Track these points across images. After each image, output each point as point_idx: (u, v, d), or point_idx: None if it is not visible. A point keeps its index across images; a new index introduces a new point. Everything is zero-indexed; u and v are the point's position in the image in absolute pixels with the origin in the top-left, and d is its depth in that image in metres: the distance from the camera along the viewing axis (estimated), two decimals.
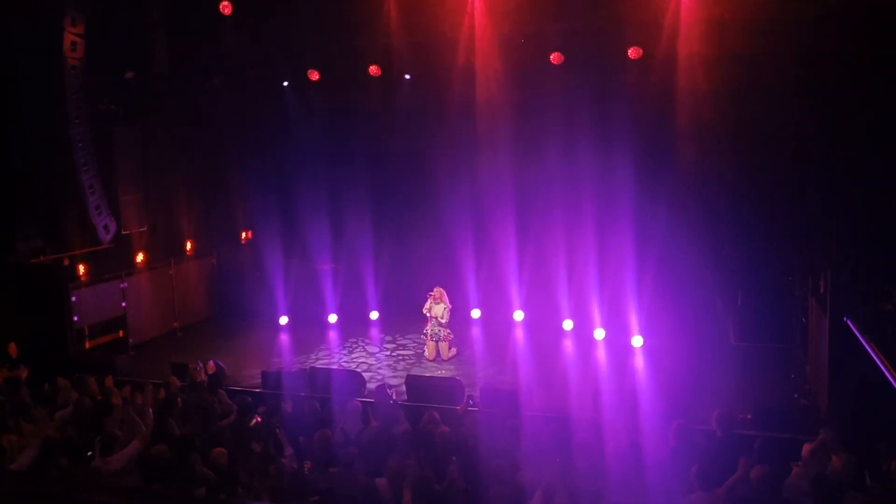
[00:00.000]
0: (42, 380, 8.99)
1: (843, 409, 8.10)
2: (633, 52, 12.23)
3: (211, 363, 9.59)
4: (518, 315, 13.90)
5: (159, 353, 12.68)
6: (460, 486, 5.89)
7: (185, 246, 15.33)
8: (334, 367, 11.47)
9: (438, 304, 11.71)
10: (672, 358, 11.24)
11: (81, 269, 13.24)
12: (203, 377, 9.02)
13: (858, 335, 7.86)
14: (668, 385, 9.90)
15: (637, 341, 12.03)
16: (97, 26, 12.57)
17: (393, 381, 10.63)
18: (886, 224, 10.17)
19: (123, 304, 13.01)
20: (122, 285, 13.05)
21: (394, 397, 8.61)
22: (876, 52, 10.12)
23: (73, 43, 12.39)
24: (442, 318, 11.65)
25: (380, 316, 14.23)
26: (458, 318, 12.29)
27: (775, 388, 10.06)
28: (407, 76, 14.26)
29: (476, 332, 13.49)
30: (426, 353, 11.89)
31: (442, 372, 11.26)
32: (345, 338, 13.33)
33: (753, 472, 5.94)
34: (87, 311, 12.36)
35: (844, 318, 8.24)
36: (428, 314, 11.78)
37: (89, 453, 6.65)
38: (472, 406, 8.50)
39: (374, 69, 13.76)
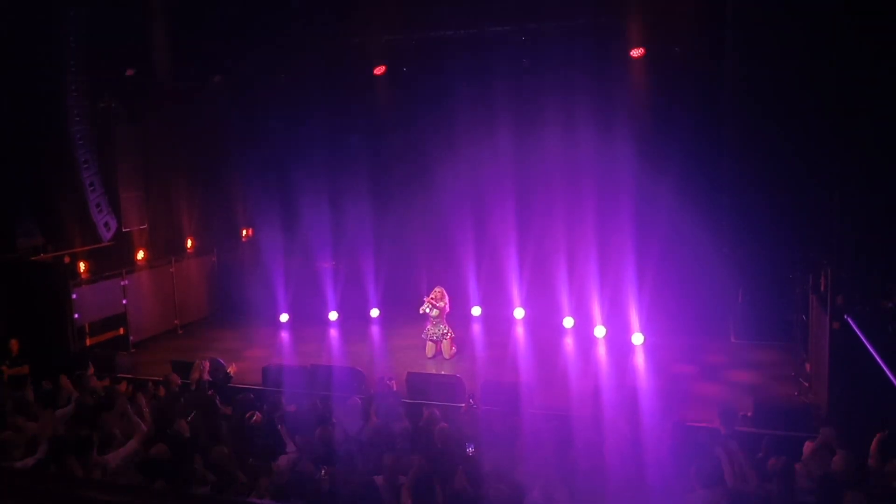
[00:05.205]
0: (42, 377, 8.99)
1: (844, 407, 8.09)
2: (635, 49, 12.22)
3: (209, 362, 9.58)
4: (518, 312, 13.88)
5: (160, 350, 12.70)
6: (467, 491, 5.86)
7: (186, 243, 15.34)
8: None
9: (437, 303, 11.65)
10: (672, 356, 11.23)
11: (82, 266, 13.25)
12: (206, 375, 9.02)
13: (859, 333, 7.85)
14: (668, 383, 9.89)
15: (637, 339, 12.02)
16: (98, 24, 12.55)
17: None
18: (887, 222, 10.14)
19: (124, 302, 13.02)
20: (122, 283, 13.05)
21: (394, 388, 8.63)
22: (876, 52, 10.08)
23: (75, 40, 12.38)
24: (433, 312, 11.53)
25: (380, 313, 14.23)
26: (458, 315, 12.27)
27: (775, 385, 10.05)
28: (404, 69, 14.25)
29: (476, 329, 13.48)
30: (426, 352, 11.86)
31: (443, 370, 11.26)
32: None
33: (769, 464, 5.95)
34: (88, 309, 12.37)
35: (845, 316, 8.23)
36: (426, 312, 11.75)
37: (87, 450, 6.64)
38: (472, 404, 8.49)
39: (375, 67, 13.75)
